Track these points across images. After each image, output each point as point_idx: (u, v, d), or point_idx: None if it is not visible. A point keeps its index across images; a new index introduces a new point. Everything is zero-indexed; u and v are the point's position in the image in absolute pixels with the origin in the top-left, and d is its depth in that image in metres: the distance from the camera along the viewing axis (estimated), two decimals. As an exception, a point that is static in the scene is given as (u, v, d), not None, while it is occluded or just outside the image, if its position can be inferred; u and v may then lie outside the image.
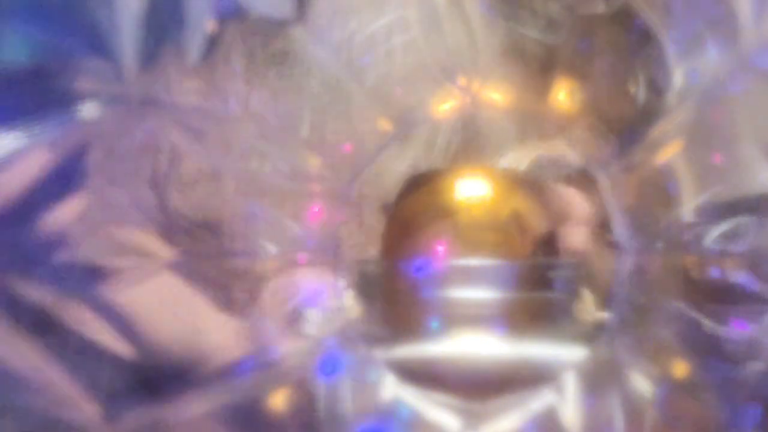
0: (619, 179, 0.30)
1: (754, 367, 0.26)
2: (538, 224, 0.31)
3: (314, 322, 0.30)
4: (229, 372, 0.28)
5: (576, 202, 0.30)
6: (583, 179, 0.31)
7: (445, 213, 0.31)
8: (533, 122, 0.31)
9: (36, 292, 0.23)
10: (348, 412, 0.29)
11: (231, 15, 0.26)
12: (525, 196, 0.31)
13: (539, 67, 0.30)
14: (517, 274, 0.31)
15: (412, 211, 0.31)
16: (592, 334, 0.30)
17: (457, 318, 0.30)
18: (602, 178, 0.30)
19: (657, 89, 0.28)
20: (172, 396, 0.26)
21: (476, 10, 0.29)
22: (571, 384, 0.29)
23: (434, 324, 0.31)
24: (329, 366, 0.30)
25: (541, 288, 0.31)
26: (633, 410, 0.28)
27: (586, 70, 0.29)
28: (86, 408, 0.24)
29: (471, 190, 0.31)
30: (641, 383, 0.29)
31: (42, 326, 0.23)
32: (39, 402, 0.23)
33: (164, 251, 0.26)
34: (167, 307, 0.26)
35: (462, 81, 0.30)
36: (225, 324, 0.28)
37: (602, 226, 0.30)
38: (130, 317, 0.25)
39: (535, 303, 0.31)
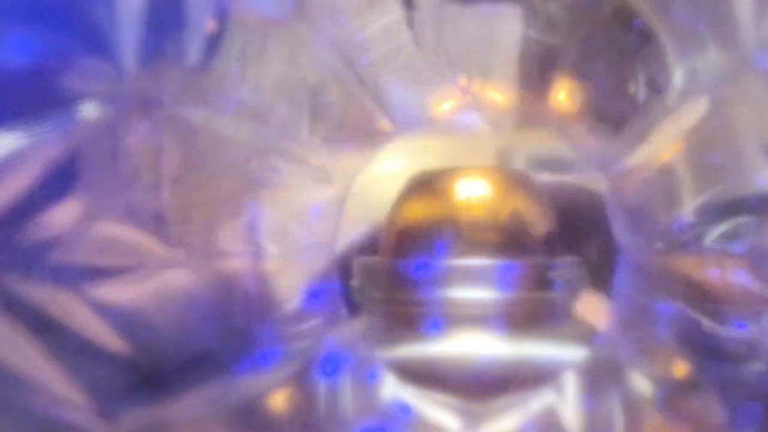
0: (619, 179, 0.30)
1: (754, 367, 0.26)
2: (538, 224, 0.31)
3: (314, 321, 0.30)
4: (230, 371, 0.28)
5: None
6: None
7: (445, 213, 0.31)
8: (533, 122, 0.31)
9: (36, 292, 0.23)
10: (348, 412, 0.29)
11: (231, 15, 0.26)
12: (525, 196, 0.31)
13: (539, 67, 0.30)
14: (517, 274, 0.31)
15: (412, 211, 0.31)
16: (591, 334, 0.30)
17: (457, 318, 0.30)
18: (602, 178, 0.30)
19: (657, 89, 0.28)
20: (172, 396, 0.26)
21: (476, 11, 0.29)
22: (571, 384, 0.29)
23: (434, 324, 0.31)
24: (329, 366, 0.30)
25: (541, 288, 0.31)
26: (633, 410, 0.28)
27: (586, 70, 0.29)
28: (86, 408, 0.24)
29: (471, 190, 0.31)
30: (641, 383, 0.29)
31: (42, 326, 0.23)
32: (39, 402, 0.23)
33: (164, 251, 0.26)
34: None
35: (462, 81, 0.30)
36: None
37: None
38: (130, 316, 0.25)
39: (535, 303, 0.31)
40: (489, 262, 0.30)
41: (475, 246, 0.31)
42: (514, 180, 0.32)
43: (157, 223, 0.26)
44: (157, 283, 0.26)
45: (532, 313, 0.31)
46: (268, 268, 0.29)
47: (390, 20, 0.29)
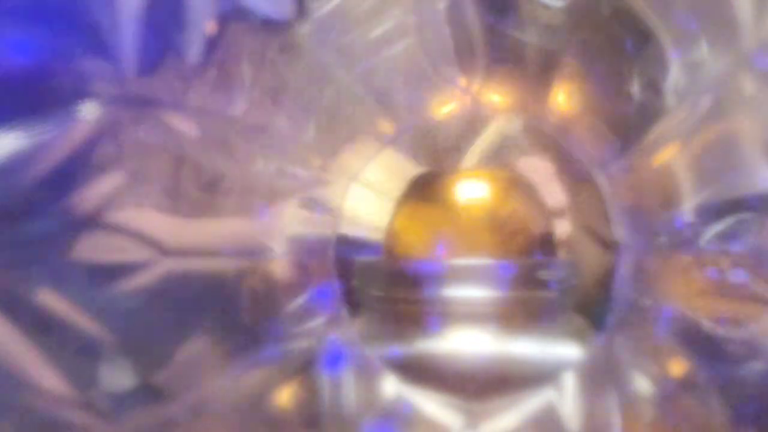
0: (619, 179, 0.30)
1: (754, 367, 0.26)
2: (536, 224, 0.31)
3: (316, 321, 0.30)
4: (232, 370, 0.28)
5: None
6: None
7: (445, 213, 0.31)
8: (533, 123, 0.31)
9: (36, 292, 0.23)
10: (349, 410, 0.29)
11: (232, 15, 0.26)
12: (523, 196, 0.31)
13: (539, 68, 0.30)
14: (517, 273, 0.31)
15: (412, 211, 0.31)
16: (589, 333, 0.30)
17: (457, 317, 0.30)
18: (602, 178, 0.30)
19: (657, 89, 0.28)
20: (172, 396, 0.26)
21: (476, 14, 0.29)
22: (570, 383, 0.29)
23: (434, 323, 0.31)
24: (330, 366, 0.30)
25: (540, 287, 0.31)
26: (633, 410, 0.28)
27: (586, 71, 0.29)
28: (86, 408, 0.24)
29: (471, 190, 0.32)
30: (641, 383, 0.29)
31: (42, 326, 0.23)
32: (39, 402, 0.23)
33: (165, 250, 0.26)
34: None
35: (462, 82, 0.30)
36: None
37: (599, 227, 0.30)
38: (131, 315, 0.25)
39: (535, 302, 0.31)
40: (487, 261, 0.31)
41: (475, 246, 0.31)
42: (510, 180, 0.32)
43: (158, 220, 0.26)
44: (158, 280, 0.26)
45: (529, 312, 0.31)
46: (271, 268, 0.29)
47: (391, 25, 0.29)
